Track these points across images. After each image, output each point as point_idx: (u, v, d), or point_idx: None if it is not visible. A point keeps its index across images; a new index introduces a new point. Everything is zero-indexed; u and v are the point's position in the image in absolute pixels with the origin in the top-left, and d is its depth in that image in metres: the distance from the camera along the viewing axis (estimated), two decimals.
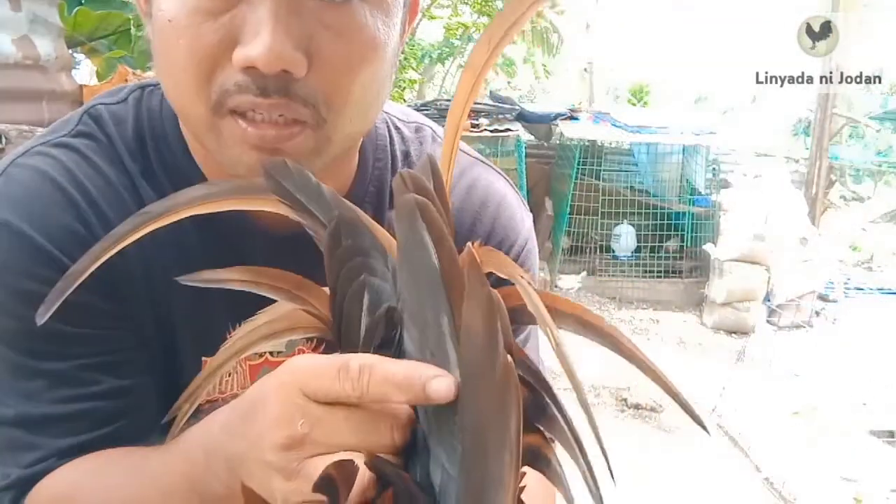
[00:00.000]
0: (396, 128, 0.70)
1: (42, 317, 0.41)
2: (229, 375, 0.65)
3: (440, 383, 0.33)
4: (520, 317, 0.36)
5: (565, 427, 0.33)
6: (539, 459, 0.34)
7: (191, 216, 0.48)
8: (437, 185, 0.39)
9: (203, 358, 0.63)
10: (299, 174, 0.43)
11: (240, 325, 0.64)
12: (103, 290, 0.56)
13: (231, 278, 0.46)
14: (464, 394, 0.32)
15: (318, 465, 0.36)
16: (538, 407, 0.35)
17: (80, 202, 0.56)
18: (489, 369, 0.31)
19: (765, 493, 2.98)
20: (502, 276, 0.36)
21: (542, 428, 0.34)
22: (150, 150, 0.60)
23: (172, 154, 0.60)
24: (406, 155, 0.69)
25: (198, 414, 0.66)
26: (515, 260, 0.71)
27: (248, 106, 0.48)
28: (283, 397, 0.38)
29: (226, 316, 0.62)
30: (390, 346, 0.38)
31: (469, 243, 0.37)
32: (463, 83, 0.41)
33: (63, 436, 0.55)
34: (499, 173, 0.74)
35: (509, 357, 0.32)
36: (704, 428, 0.36)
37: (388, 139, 0.69)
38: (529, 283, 0.34)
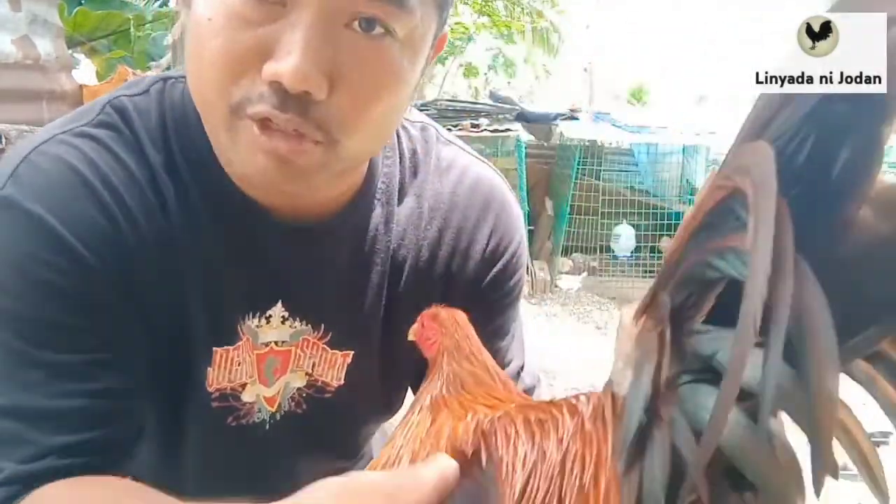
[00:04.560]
0: (404, 127, 0.73)
1: None
2: (238, 365, 0.65)
3: None
4: None
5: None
6: None
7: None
8: None
9: (214, 348, 0.63)
10: None
11: (253, 316, 0.64)
12: (114, 282, 0.56)
13: None
14: None
15: None
16: None
17: (104, 194, 0.56)
18: None
19: None
20: None
21: None
22: (172, 142, 0.61)
23: (196, 147, 0.60)
24: (413, 153, 0.72)
25: (209, 401, 0.66)
26: (514, 252, 0.75)
27: (266, 115, 0.50)
28: None
29: (240, 306, 0.63)
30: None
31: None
32: None
33: (55, 433, 0.54)
34: (496, 171, 0.77)
35: None
36: None
37: (396, 137, 0.71)
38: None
